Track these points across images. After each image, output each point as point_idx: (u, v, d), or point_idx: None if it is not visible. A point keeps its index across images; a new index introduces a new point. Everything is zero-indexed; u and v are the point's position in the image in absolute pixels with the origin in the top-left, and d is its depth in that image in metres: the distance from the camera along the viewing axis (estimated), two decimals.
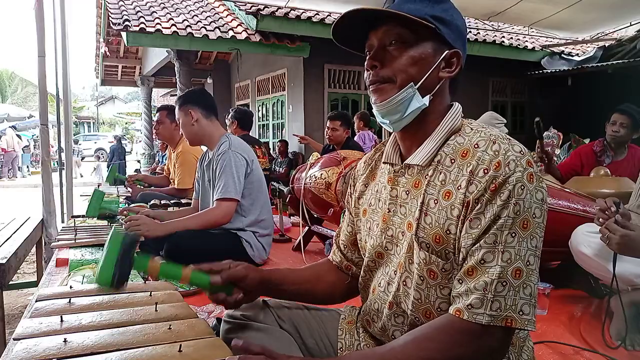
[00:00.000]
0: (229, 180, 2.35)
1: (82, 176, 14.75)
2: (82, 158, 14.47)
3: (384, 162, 1.03)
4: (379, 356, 0.85)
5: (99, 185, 4.40)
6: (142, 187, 4.02)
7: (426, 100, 0.92)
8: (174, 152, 3.86)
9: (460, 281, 0.84)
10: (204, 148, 2.68)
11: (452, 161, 0.89)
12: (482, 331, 0.80)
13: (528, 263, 0.81)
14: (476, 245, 0.82)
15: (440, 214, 0.88)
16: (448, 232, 0.87)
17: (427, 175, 0.92)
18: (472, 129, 0.92)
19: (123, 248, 0.88)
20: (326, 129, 4.23)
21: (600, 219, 1.59)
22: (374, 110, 0.96)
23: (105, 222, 2.45)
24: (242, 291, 1.00)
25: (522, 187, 0.81)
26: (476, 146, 0.87)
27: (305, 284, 1.13)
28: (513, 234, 0.81)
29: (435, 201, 0.89)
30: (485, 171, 0.83)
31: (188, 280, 0.94)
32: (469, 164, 0.86)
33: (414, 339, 0.84)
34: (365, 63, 0.96)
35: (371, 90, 0.96)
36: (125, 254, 0.88)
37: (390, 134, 1.04)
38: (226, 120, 4.64)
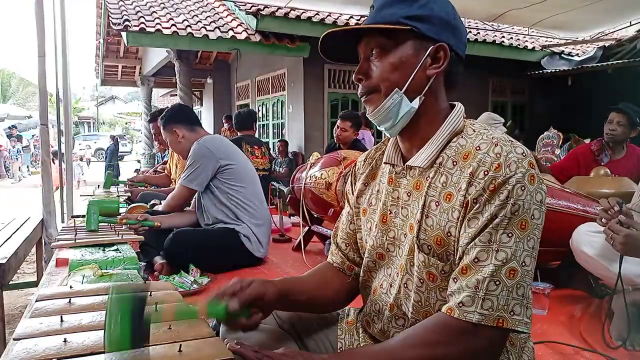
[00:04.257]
0: (189, 170, 2.54)
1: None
2: (81, 158, 14.27)
3: (385, 163, 1.02)
4: (371, 354, 0.86)
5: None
6: (143, 188, 4.02)
7: (415, 103, 0.91)
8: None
9: (455, 280, 0.84)
10: None
11: (454, 163, 0.89)
12: (473, 330, 0.80)
13: (524, 264, 0.80)
14: (471, 244, 0.82)
15: (441, 216, 0.87)
16: (449, 234, 0.86)
17: (429, 177, 0.91)
18: (474, 130, 0.91)
19: (133, 311, 0.76)
20: (335, 128, 4.18)
21: (603, 219, 1.59)
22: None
23: (104, 223, 2.44)
24: (260, 309, 0.93)
25: (522, 188, 0.80)
26: (478, 148, 0.86)
27: (313, 291, 1.07)
28: (510, 234, 0.80)
29: (437, 203, 0.89)
30: (486, 173, 0.82)
31: (206, 314, 0.87)
32: (469, 166, 0.85)
33: (405, 337, 0.85)
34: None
35: (363, 101, 0.97)
36: (136, 317, 0.76)
37: None
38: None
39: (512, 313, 0.79)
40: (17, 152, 15.36)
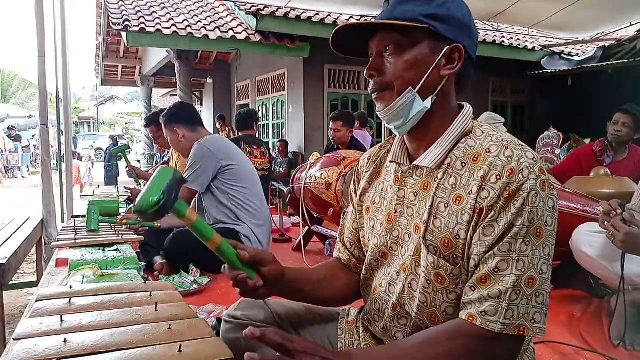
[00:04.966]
0: (190, 170, 2.51)
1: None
2: (81, 158, 14.17)
3: (391, 161, 1.02)
4: (387, 355, 0.85)
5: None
6: (138, 188, 4.00)
7: (428, 103, 0.90)
8: (177, 152, 3.86)
9: (473, 288, 0.83)
10: None
11: (463, 165, 0.88)
12: (494, 338, 0.80)
13: (541, 272, 0.80)
14: (489, 253, 0.82)
15: (450, 218, 0.87)
16: (457, 237, 0.86)
17: (437, 177, 0.91)
18: (483, 132, 0.90)
19: (173, 179, 0.84)
20: (329, 130, 4.21)
21: (605, 223, 1.59)
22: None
23: (104, 223, 2.45)
24: (263, 279, 0.92)
25: (536, 195, 0.80)
26: (488, 151, 0.86)
27: (321, 281, 1.08)
28: (527, 243, 0.80)
29: (446, 205, 0.88)
30: (498, 177, 0.82)
31: (216, 245, 0.90)
32: (480, 169, 0.85)
33: (424, 342, 0.84)
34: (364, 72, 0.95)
35: (374, 98, 0.95)
36: (173, 185, 0.84)
37: (390, 133, 1.04)
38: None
39: (532, 321, 0.79)
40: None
